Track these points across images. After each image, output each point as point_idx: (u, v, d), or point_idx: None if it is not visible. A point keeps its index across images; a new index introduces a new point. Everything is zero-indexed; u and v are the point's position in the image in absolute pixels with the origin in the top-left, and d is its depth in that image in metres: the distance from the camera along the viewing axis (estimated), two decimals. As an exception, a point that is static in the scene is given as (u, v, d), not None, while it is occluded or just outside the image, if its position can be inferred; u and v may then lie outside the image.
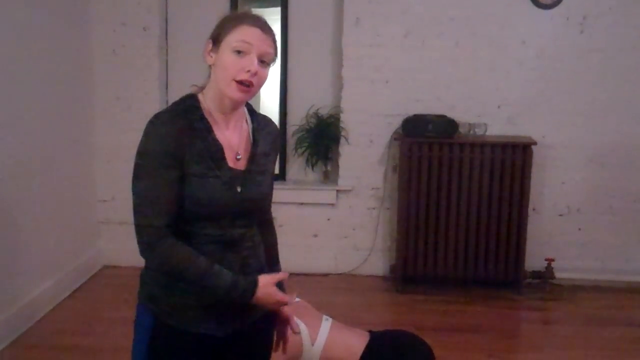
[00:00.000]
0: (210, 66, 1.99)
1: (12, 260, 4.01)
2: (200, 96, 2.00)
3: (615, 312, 4.68)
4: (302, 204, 5.20)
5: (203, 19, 5.13)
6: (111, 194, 5.20)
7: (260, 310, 2.07)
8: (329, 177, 5.28)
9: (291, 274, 5.17)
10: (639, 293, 5.02)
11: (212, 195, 1.94)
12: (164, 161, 1.87)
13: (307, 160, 5.19)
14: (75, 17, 4.83)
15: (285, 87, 5.21)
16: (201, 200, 1.92)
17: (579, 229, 5.14)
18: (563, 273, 5.04)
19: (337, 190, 5.19)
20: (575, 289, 5.04)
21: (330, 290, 4.98)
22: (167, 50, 5.16)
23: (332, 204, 5.21)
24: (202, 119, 1.96)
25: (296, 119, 5.19)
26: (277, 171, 5.25)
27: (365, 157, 5.14)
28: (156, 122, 1.90)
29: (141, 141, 1.90)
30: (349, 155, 5.14)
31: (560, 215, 5.14)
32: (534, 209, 5.05)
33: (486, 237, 4.92)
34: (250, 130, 2.10)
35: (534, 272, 5.01)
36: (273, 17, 5.19)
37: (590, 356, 3.99)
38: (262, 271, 2.07)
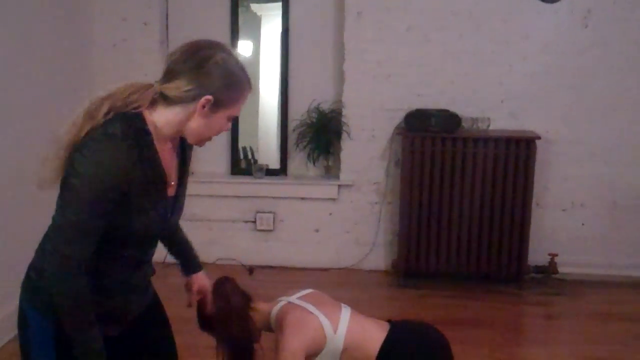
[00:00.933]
0: (182, 104, 1.87)
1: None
2: (146, 117, 1.87)
3: (619, 307, 4.66)
4: (303, 198, 5.18)
5: (203, 13, 5.15)
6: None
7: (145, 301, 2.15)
8: (331, 171, 5.26)
9: (292, 269, 5.19)
10: (644, 288, 4.99)
11: (149, 227, 1.91)
12: (107, 194, 1.77)
13: (309, 155, 5.17)
14: (77, 11, 4.81)
15: (286, 82, 5.19)
16: (137, 232, 1.89)
17: (583, 224, 5.11)
18: (566, 268, 5.01)
19: (339, 185, 5.16)
20: (579, 284, 5.02)
21: (331, 284, 4.96)
22: (167, 44, 5.14)
23: (334, 199, 5.18)
24: (151, 146, 1.87)
25: (297, 114, 5.16)
26: (278, 166, 5.23)
27: (367, 151, 5.12)
28: (107, 146, 1.77)
29: (85, 161, 1.76)
30: (350, 149, 5.12)
31: (564, 210, 5.12)
32: (537, 204, 5.02)
33: (489, 232, 4.90)
34: (179, 148, 2.04)
35: (537, 267, 4.99)
36: (274, 12, 5.17)
37: (594, 351, 3.96)
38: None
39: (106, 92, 1.86)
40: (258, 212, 5.19)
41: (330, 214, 5.22)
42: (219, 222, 5.20)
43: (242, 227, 5.22)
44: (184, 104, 1.85)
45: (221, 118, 1.90)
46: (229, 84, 1.87)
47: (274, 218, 5.20)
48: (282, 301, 2.57)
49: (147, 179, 1.85)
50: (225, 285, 2.52)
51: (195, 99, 1.83)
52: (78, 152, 1.78)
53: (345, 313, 2.54)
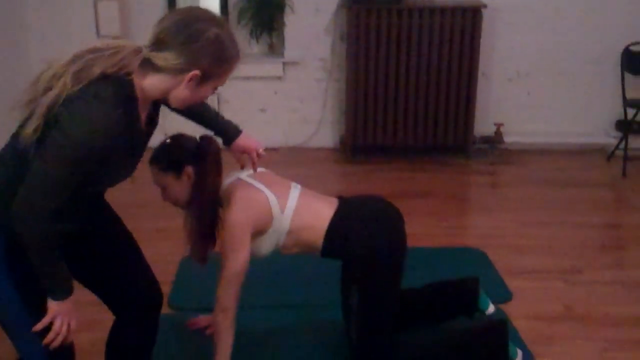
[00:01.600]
0: (164, 71, 1.81)
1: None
2: (135, 81, 1.83)
3: (564, 174, 4.77)
4: (247, 78, 5.03)
5: None
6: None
7: None
8: (275, 49, 5.13)
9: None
10: (588, 155, 5.09)
11: (120, 177, 1.98)
12: (93, 156, 1.75)
13: (251, 32, 5.00)
14: None
15: (223, -45, 4.95)
16: (108, 182, 1.98)
17: (528, 94, 5.13)
18: (512, 137, 5.07)
19: (284, 63, 5.04)
20: (524, 153, 5.10)
21: (280, 164, 4.86)
22: None
23: (279, 77, 5.08)
24: (136, 114, 1.86)
25: (237, -11, 4.96)
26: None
27: (312, 26, 4.98)
28: (99, 110, 1.73)
29: (74, 122, 1.71)
30: (294, 25, 4.97)
31: (510, 79, 5.11)
32: (483, 74, 4.99)
33: (436, 103, 4.89)
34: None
35: (483, 137, 5.03)
36: None
37: (538, 216, 4.06)
38: None
39: (94, 51, 1.80)
40: (202, 93, 5.06)
41: (276, 92, 5.13)
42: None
43: (186, 109, 5.09)
44: (171, 74, 1.81)
45: (207, 89, 1.88)
46: (219, 60, 1.83)
47: (218, 99, 5.08)
48: (232, 177, 2.52)
49: (128, 145, 1.86)
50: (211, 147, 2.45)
51: (183, 72, 1.79)
52: (65, 109, 1.73)
53: (294, 192, 2.51)
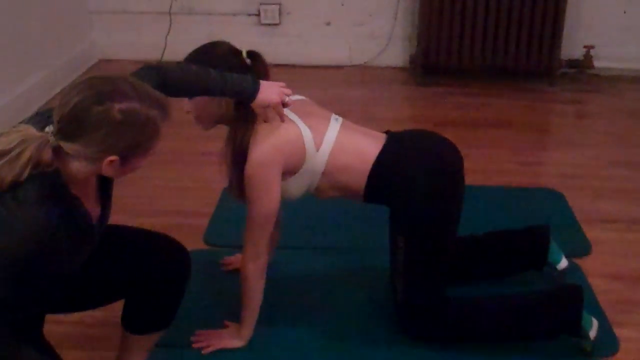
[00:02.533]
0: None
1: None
2: (60, 169, 1.58)
3: (660, 106, 4.22)
4: (312, -14, 4.65)
5: None
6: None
7: None
8: (343, -46, 4.67)
9: (301, 67, 4.80)
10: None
11: (74, 270, 1.77)
12: (24, 268, 1.53)
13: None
14: None
15: None
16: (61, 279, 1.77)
17: (624, 12, 4.52)
18: (603, 62, 4.52)
19: (352, -29, 4.60)
20: (616, 80, 4.54)
21: (343, 83, 4.56)
22: None
23: (346, -14, 4.64)
24: (71, 197, 1.62)
25: None
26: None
27: None
28: (20, 215, 1.51)
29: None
30: None
31: (604, -5, 4.54)
32: (574, -11, 4.44)
33: (518, 21, 4.36)
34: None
35: (570, 60, 4.51)
36: None
37: (627, 155, 3.58)
38: None
39: None
40: (262, 3, 4.68)
41: (343, 4, 4.68)
42: (219, 15, 4.70)
43: (244, 21, 4.73)
44: (89, 161, 1.57)
45: (137, 163, 1.63)
46: (137, 137, 1.57)
47: (279, 10, 4.69)
48: None
49: (73, 238, 1.65)
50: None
51: (98, 160, 1.56)
52: None
53: (334, 126, 2.15)
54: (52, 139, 1.53)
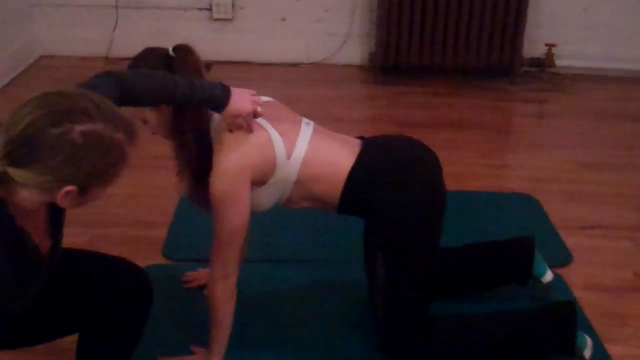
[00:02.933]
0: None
1: None
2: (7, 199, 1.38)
3: (622, 105, 4.15)
4: (266, -19, 4.46)
5: None
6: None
7: None
8: (297, -53, 4.49)
9: (256, 64, 4.59)
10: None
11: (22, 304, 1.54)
12: None
13: None
14: None
15: None
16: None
17: (584, 10, 4.46)
18: (564, 60, 4.45)
19: (308, -36, 4.42)
20: (577, 79, 4.47)
21: (300, 82, 4.37)
22: None
23: (302, -19, 4.46)
24: (16, 231, 1.43)
25: None
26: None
27: None
28: None
29: None
30: None
31: (565, -7, 4.46)
32: (535, -13, 4.35)
33: (480, 19, 4.25)
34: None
35: (531, 59, 4.42)
36: None
37: (594, 155, 3.50)
38: None
39: None
40: (214, -3, 4.48)
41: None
42: (169, 10, 4.46)
43: (195, 16, 4.50)
44: (42, 190, 1.35)
45: (98, 193, 1.41)
46: (100, 165, 1.35)
47: (232, 4, 4.48)
48: None
49: (20, 275, 1.43)
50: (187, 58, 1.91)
51: (53, 190, 1.34)
52: None
53: (306, 132, 1.97)
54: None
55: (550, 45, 4.40)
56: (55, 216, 1.58)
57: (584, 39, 4.49)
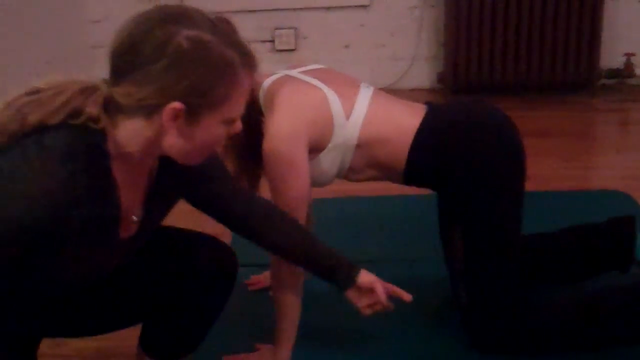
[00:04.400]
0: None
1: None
2: (108, 130, 1.21)
3: None
4: (328, 8, 4.38)
5: None
6: (103, 12, 4.44)
7: None
8: (359, -27, 4.43)
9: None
10: None
11: (78, 281, 1.37)
12: (24, 242, 1.15)
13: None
14: None
15: None
16: (58, 287, 1.36)
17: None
18: (645, 70, 4.22)
19: (370, -11, 4.35)
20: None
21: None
22: None
23: (365, 6, 4.36)
24: (107, 174, 1.23)
25: None
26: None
27: (402, -57, 4.25)
28: (38, 168, 1.13)
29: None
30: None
31: (642, 1, 4.25)
32: (610, -5, 4.16)
33: (553, 32, 4.08)
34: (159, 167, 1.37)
35: (610, 70, 4.20)
36: None
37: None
38: None
39: (32, 93, 1.19)
40: (276, 28, 4.42)
41: (362, 25, 4.42)
42: (232, 42, 4.45)
43: (258, 48, 4.41)
44: (146, 115, 1.19)
45: (209, 127, 1.23)
46: (206, 78, 1.19)
47: (295, 34, 4.43)
48: (280, 73, 1.85)
49: (92, 220, 1.22)
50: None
51: (156, 109, 1.18)
52: None
53: (365, 93, 1.82)
54: (103, 86, 1.20)
55: (629, 55, 4.17)
56: (160, 192, 1.39)
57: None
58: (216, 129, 1.24)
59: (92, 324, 1.57)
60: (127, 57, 1.16)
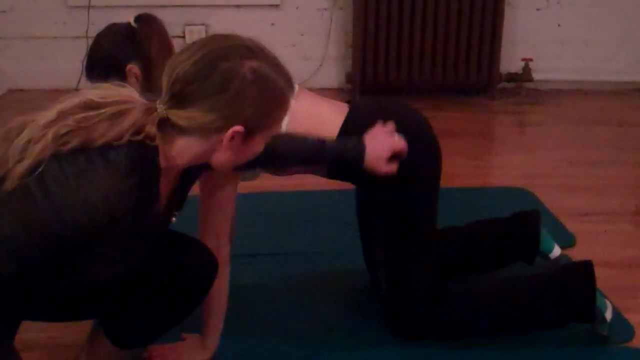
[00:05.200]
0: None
1: None
2: (160, 148, 1.34)
3: (600, 114, 4.12)
4: (238, 6, 4.39)
5: None
6: (9, 2, 4.32)
7: None
8: (271, -27, 4.47)
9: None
10: (626, 94, 4.45)
11: (111, 274, 1.47)
12: (73, 238, 1.27)
13: (243, -47, 4.34)
14: None
15: None
16: (92, 278, 1.46)
17: (559, 25, 4.48)
18: (541, 74, 4.43)
19: (281, -12, 4.40)
20: (554, 92, 4.45)
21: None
22: None
23: (276, 5, 4.41)
24: (156, 187, 1.38)
25: None
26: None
27: (312, -55, 4.32)
28: (103, 180, 1.24)
29: (66, 186, 1.23)
30: (292, -56, 4.31)
31: (538, 9, 4.46)
32: (509, 3, 4.35)
33: (457, 37, 4.24)
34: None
35: (509, 74, 4.41)
36: None
37: (588, 155, 3.45)
38: None
39: (87, 107, 1.28)
40: (187, 24, 4.41)
41: (273, 24, 4.47)
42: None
43: (169, 44, 4.44)
44: (203, 135, 1.33)
45: (258, 143, 1.40)
46: (266, 105, 1.34)
47: (206, 31, 4.43)
48: None
49: (135, 228, 1.35)
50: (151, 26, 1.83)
51: (219, 131, 1.32)
52: (56, 169, 1.24)
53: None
54: (160, 108, 1.30)
55: (526, 60, 4.39)
56: (178, 193, 1.51)
57: (558, 53, 4.49)
58: (262, 145, 1.40)
59: (81, 310, 1.63)
60: (194, 87, 1.27)
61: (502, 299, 1.95)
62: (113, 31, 1.85)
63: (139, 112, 1.29)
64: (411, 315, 1.93)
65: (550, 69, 4.48)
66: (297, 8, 4.43)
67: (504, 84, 4.45)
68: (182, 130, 1.31)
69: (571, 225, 2.64)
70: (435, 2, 4.18)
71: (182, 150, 1.34)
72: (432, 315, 1.93)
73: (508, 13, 4.33)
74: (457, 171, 3.16)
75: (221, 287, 1.84)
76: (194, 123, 1.29)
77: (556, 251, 2.21)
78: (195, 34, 4.40)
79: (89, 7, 4.30)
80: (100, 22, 4.24)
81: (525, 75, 4.39)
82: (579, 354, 1.93)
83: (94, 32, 4.23)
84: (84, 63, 1.84)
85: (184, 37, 4.40)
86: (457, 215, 2.38)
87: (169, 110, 1.29)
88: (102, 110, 1.26)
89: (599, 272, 2.23)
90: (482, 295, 1.97)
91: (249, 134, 1.33)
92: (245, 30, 4.42)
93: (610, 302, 2.00)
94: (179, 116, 1.29)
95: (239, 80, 1.28)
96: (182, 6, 4.36)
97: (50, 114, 1.27)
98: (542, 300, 1.92)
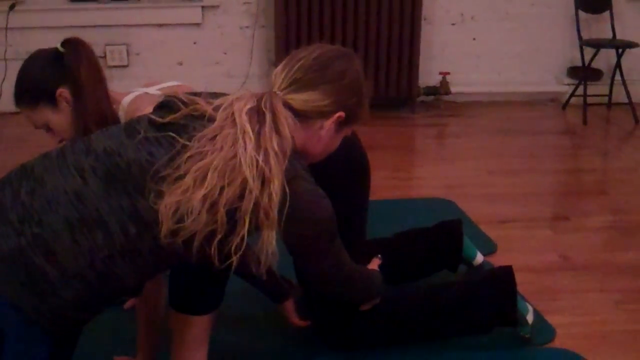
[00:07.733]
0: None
1: None
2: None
3: (515, 124, 4.32)
4: (160, 25, 4.40)
5: None
6: None
7: None
8: (191, -8, 4.49)
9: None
10: (539, 105, 4.66)
11: None
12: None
13: (164, -27, 4.35)
14: None
15: None
16: None
17: (474, 39, 4.65)
18: (458, 87, 4.59)
19: (202, 7, 4.40)
20: (471, 104, 4.64)
21: (203, 123, 4.29)
22: None
23: (198, 24, 4.44)
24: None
25: None
26: (128, -12, 4.39)
27: (233, -36, 4.37)
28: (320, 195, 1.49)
29: (315, 205, 1.48)
30: (213, -37, 4.34)
31: (453, 24, 4.63)
32: (425, 19, 4.49)
33: (376, 53, 4.37)
34: None
35: (427, 87, 4.54)
36: None
37: (504, 165, 3.60)
38: None
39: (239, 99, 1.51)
40: (107, 44, 4.38)
41: (195, 42, 4.48)
42: (61, 58, 4.34)
43: (90, 64, 4.39)
44: (310, 120, 1.51)
45: (342, 135, 1.60)
46: (362, 99, 1.59)
47: (127, 51, 4.41)
48: (138, 92, 1.90)
49: None
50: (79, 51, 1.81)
51: (327, 115, 1.52)
52: (295, 183, 1.43)
53: None
54: (280, 93, 1.48)
55: (444, 74, 4.53)
56: None
57: (475, 66, 4.66)
58: (340, 139, 1.60)
59: None
60: (317, 74, 1.49)
61: (428, 305, 2.01)
62: (41, 57, 1.83)
63: (291, 128, 1.45)
64: (332, 323, 1.98)
65: (466, 81, 4.65)
66: (219, 27, 4.46)
67: (424, 97, 4.58)
68: (295, 115, 1.48)
69: (492, 232, 2.74)
70: (355, 20, 4.29)
71: (307, 139, 1.52)
72: (358, 326, 1.97)
73: (425, 28, 4.47)
74: (381, 184, 3.21)
75: (156, 307, 1.85)
76: (306, 105, 1.48)
77: (479, 258, 2.30)
78: (116, 53, 4.38)
79: (7, 28, 4.22)
80: (18, 44, 4.24)
81: (443, 88, 4.53)
82: (503, 356, 2.01)
83: (12, 54, 4.23)
84: (14, 89, 1.81)
85: (104, 57, 4.36)
86: (382, 227, 2.45)
87: (287, 95, 1.47)
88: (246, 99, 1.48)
89: (520, 277, 2.33)
90: (408, 303, 2.02)
91: (344, 122, 1.54)
92: (168, 49, 4.46)
93: (532, 305, 2.10)
94: (295, 99, 1.47)
95: (353, 73, 1.53)
96: (102, 26, 4.33)
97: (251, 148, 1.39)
98: (467, 306, 1.99)
